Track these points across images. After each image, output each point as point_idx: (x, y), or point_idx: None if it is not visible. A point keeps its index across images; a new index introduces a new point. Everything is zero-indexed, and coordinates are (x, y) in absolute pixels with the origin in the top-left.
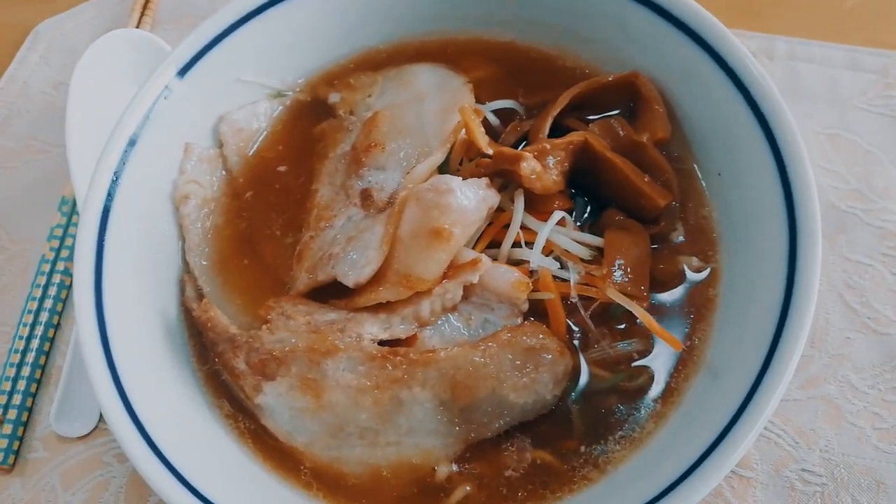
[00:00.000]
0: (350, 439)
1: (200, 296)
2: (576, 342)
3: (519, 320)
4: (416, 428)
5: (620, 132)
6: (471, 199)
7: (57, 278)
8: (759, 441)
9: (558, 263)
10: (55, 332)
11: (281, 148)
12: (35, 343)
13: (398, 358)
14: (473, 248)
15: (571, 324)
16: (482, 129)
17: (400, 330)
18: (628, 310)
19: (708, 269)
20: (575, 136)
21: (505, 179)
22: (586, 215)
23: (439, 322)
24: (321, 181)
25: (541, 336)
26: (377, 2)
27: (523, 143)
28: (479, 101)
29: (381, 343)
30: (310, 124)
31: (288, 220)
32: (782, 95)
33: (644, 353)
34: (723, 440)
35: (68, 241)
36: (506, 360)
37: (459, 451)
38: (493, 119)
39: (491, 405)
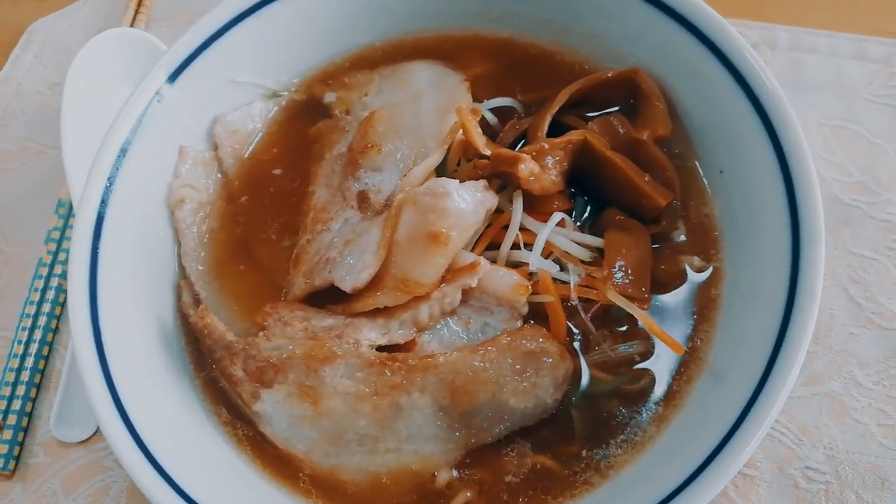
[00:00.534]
0: (349, 446)
1: (197, 301)
2: (576, 345)
3: (519, 323)
4: (416, 434)
5: (620, 130)
6: (468, 202)
7: (54, 282)
8: (763, 439)
9: (558, 266)
10: (54, 336)
11: (276, 149)
12: (34, 348)
13: (397, 364)
14: (472, 250)
15: (572, 326)
16: (479, 130)
17: (398, 335)
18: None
19: (710, 269)
20: (574, 136)
21: (503, 180)
22: (586, 215)
23: (438, 326)
24: (317, 183)
25: (541, 339)
26: None
27: (522, 142)
28: (476, 98)
29: (380, 348)
30: (305, 124)
31: (284, 223)
32: (784, 86)
33: (646, 356)
34: (727, 444)
35: (65, 244)
36: (506, 364)
37: (459, 457)
38: (490, 118)
39: (491, 410)
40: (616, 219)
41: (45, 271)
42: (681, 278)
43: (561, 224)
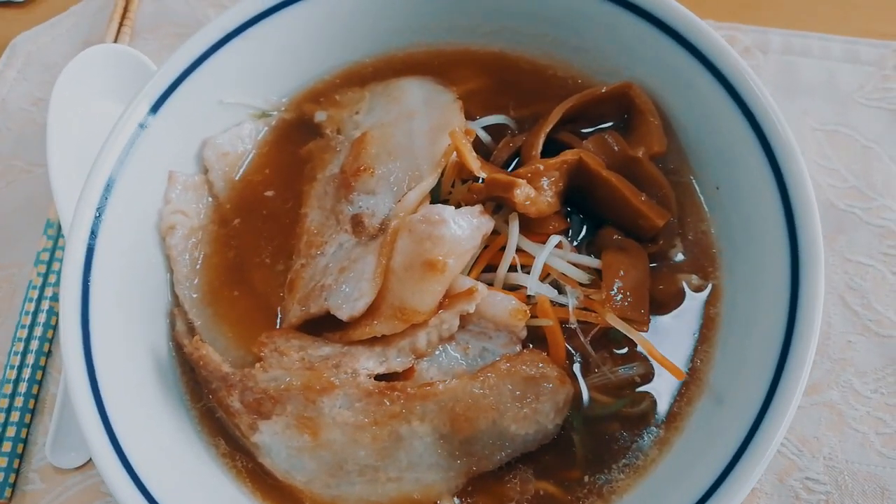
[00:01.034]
0: (350, 476)
1: (191, 329)
2: (576, 368)
3: (517, 348)
4: (417, 462)
5: (615, 147)
6: (464, 228)
7: (46, 305)
8: None
9: (556, 290)
10: (47, 360)
11: (268, 171)
12: (27, 372)
13: (395, 393)
14: (469, 273)
15: (571, 349)
16: (473, 154)
17: (396, 363)
18: None
19: (709, 287)
20: (569, 155)
21: (498, 202)
22: (583, 233)
23: (436, 352)
24: (310, 205)
25: (540, 364)
26: (361, 15)
27: (516, 160)
28: (468, 114)
29: (378, 377)
30: (296, 144)
31: (278, 246)
32: (777, 90)
33: (646, 378)
34: (733, 469)
35: (55, 266)
36: (505, 390)
37: (461, 485)
38: (484, 136)
39: (492, 437)
40: (613, 238)
41: (35, 294)
42: (679, 298)
43: (558, 246)
